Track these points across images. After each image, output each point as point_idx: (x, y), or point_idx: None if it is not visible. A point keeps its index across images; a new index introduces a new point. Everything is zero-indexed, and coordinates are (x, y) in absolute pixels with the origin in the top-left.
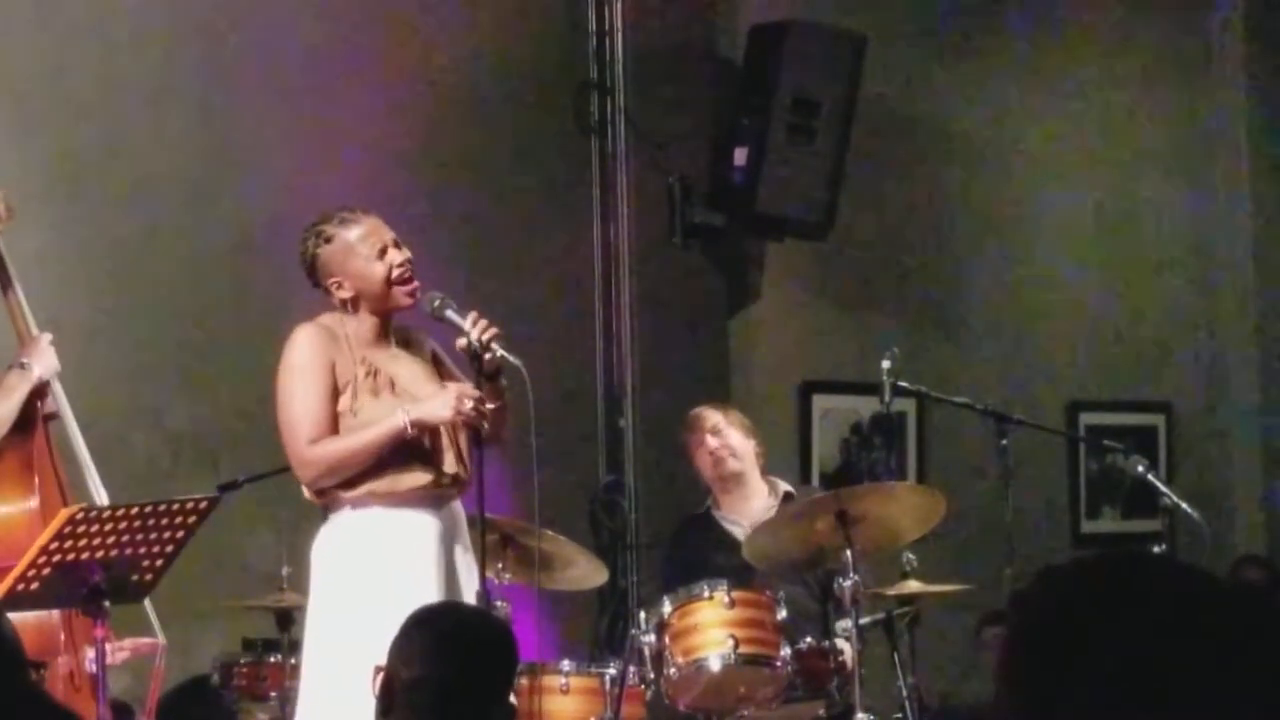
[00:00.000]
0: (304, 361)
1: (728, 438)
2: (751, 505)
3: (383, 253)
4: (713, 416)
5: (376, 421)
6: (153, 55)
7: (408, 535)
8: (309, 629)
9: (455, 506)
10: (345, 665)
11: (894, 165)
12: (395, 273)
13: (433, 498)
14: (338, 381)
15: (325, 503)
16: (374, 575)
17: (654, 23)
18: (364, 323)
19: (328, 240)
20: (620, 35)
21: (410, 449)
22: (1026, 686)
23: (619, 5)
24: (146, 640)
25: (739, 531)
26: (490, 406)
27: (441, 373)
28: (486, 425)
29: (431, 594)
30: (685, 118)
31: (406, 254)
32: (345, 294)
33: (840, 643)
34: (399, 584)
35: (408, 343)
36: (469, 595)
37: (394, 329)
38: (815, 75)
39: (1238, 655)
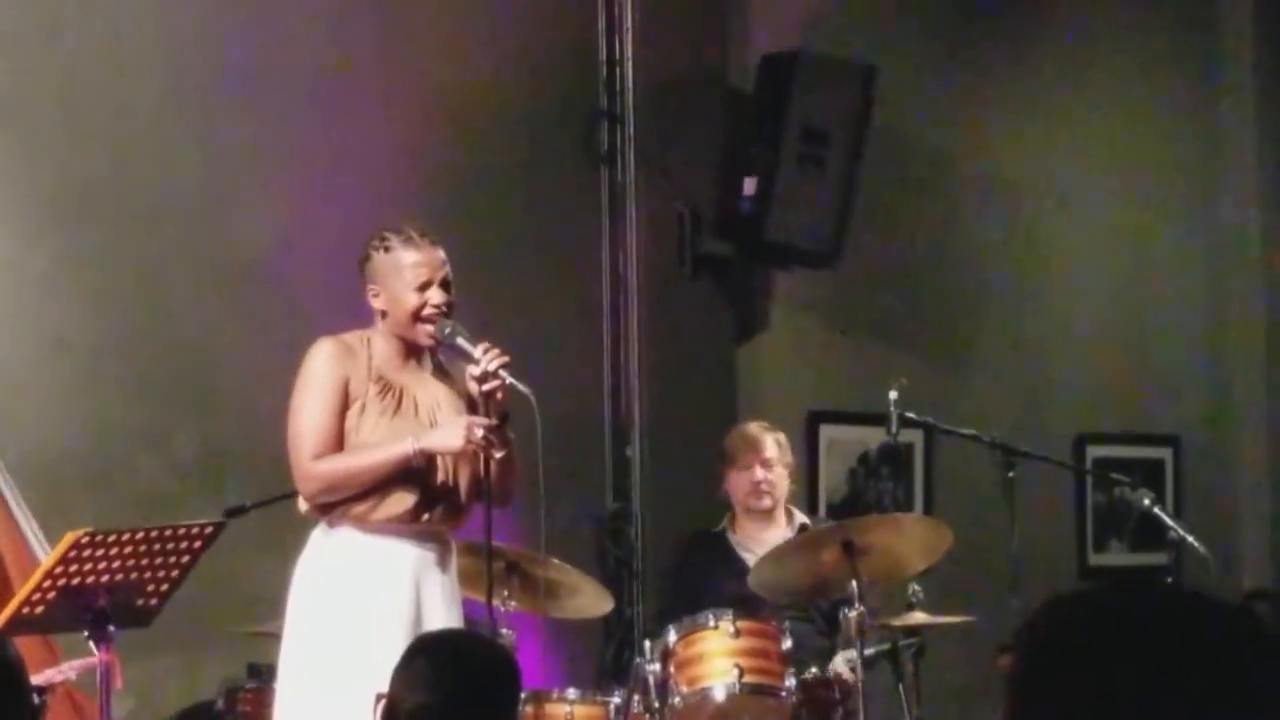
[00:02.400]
0: (317, 376)
1: (775, 473)
2: (769, 536)
3: (424, 287)
4: (770, 447)
5: (381, 443)
6: (159, 78)
7: (376, 562)
8: (282, 643)
9: (442, 538)
10: (305, 685)
11: (903, 195)
12: (426, 311)
13: (412, 529)
14: (349, 398)
15: (317, 518)
16: (337, 598)
17: (664, 53)
18: (390, 342)
19: (387, 250)
20: (630, 65)
21: (402, 477)
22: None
23: (629, 35)
24: (87, 660)
25: (751, 559)
26: (498, 454)
27: (474, 409)
28: (497, 454)
29: (394, 623)
30: (695, 147)
31: (446, 298)
32: (378, 305)
33: (839, 661)
34: (360, 609)
35: (445, 372)
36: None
37: (434, 356)
38: (825, 105)
39: (1246, 685)
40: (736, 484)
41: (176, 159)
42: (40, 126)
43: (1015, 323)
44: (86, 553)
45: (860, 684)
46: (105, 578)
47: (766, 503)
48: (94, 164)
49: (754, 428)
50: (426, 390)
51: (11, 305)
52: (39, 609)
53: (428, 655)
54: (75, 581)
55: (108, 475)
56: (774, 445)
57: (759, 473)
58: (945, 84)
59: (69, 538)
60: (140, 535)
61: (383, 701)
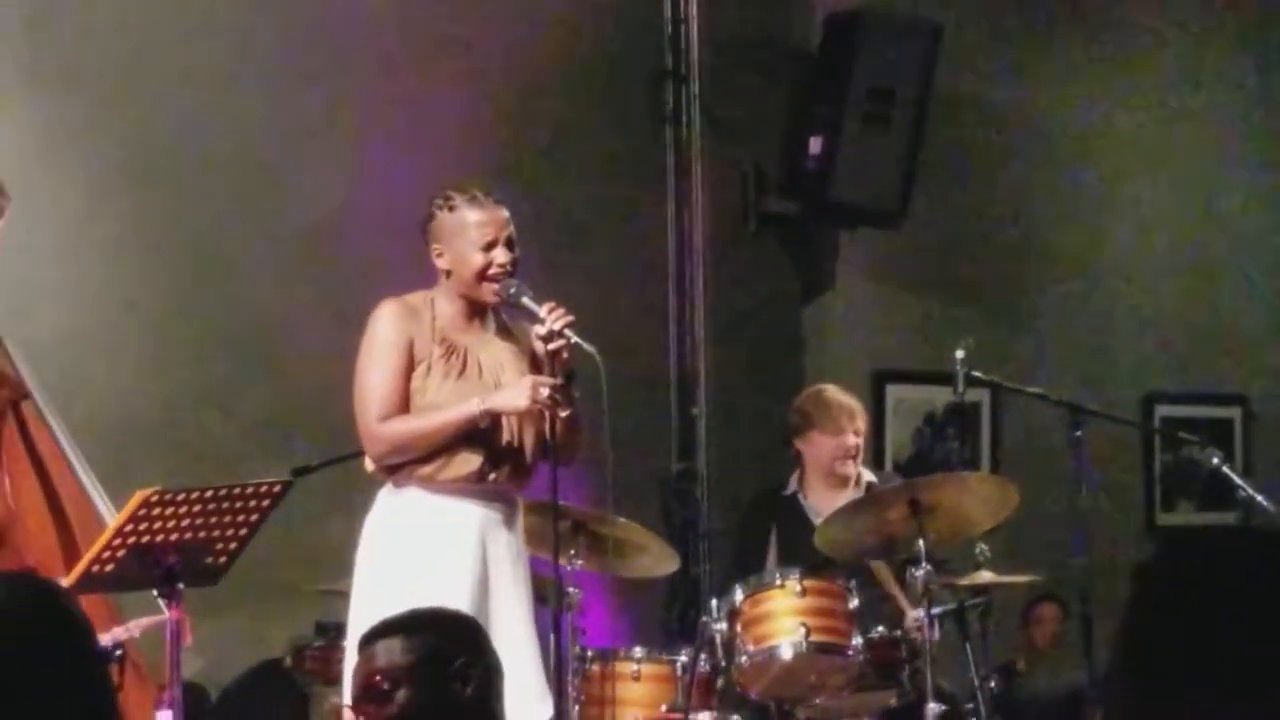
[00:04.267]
0: (382, 337)
1: (860, 441)
2: (842, 498)
3: (489, 246)
4: (860, 416)
5: (447, 404)
6: (224, 41)
7: (443, 522)
8: (350, 601)
9: (508, 498)
10: None
11: (969, 153)
12: (491, 270)
13: (479, 489)
14: (414, 359)
15: (383, 478)
16: (404, 557)
17: (729, 12)
18: (454, 303)
19: (451, 209)
20: (695, 24)
21: (468, 438)
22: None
23: None
24: (153, 618)
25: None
26: (563, 413)
27: (538, 369)
28: (562, 413)
29: (461, 583)
30: (760, 106)
31: (512, 256)
32: (442, 265)
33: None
34: (427, 569)
35: (508, 331)
36: (512, 588)
37: (498, 316)
38: (890, 64)
39: None
40: (821, 447)
41: (243, 122)
42: (108, 92)
43: (1082, 281)
44: (156, 511)
45: (927, 643)
46: (174, 536)
47: (852, 468)
48: (161, 129)
49: (842, 393)
50: (490, 350)
51: (80, 268)
52: (109, 567)
53: None
54: (145, 540)
55: (176, 435)
56: (862, 415)
57: (852, 440)
58: (1009, 41)
59: (138, 496)
60: (209, 494)
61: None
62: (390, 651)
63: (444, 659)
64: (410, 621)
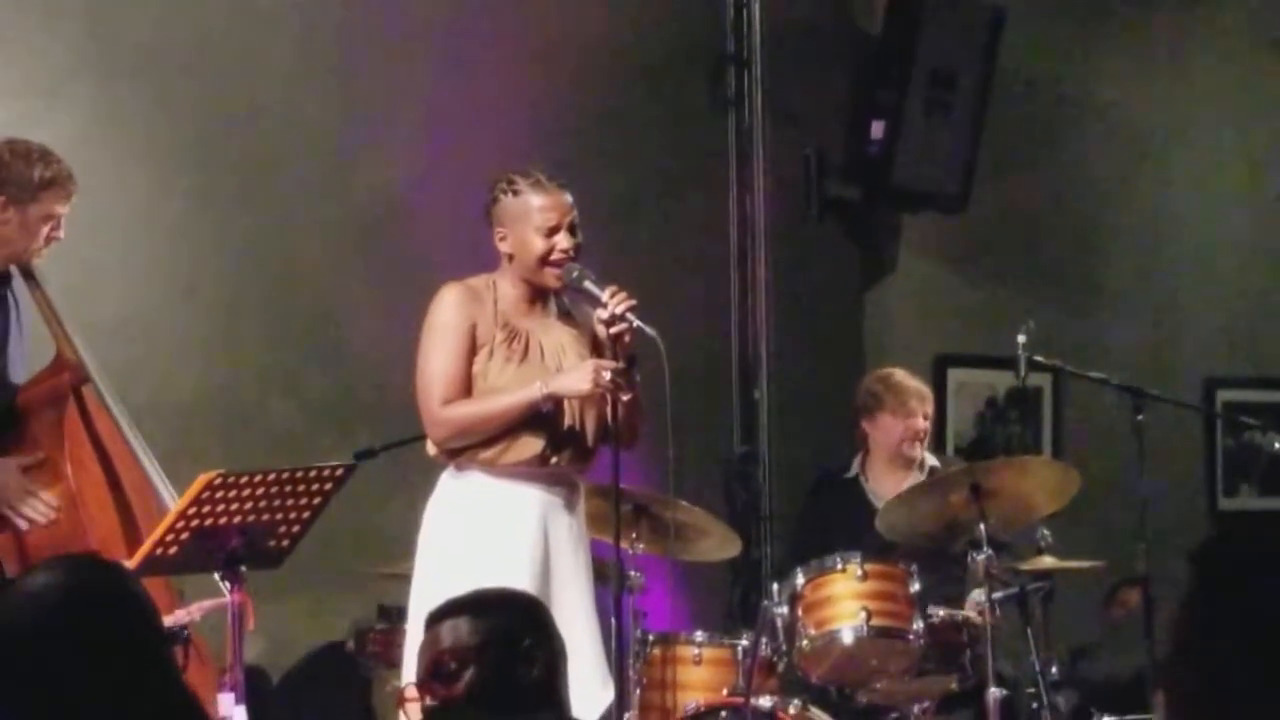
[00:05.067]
0: (444, 321)
1: (928, 424)
2: (902, 482)
3: (552, 231)
4: (929, 400)
5: (509, 389)
6: (290, 27)
7: (505, 505)
8: (412, 584)
9: (569, 481)
10: None
11: (1032, 138)
12: (554, 255)
13: (540, 473)
14: (476, 343)
15: (445, 462)
16: (466, 541)
17: None
18: (516, 287)
19: (515, 193)
20: (757, 8)
21: (530, 421)
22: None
23: None
24: (215, 600)
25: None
26: (625, 397)
27: (599, 353)
28: (624, 397)
29: (523, 566)
30: (822, 91)
31: (574, 242)
32: (505, 249)
33: (967, 605)
34: (489, 552)
35: (569, 315)
36: (573, 571)
37: (559, 300)
38: (953, 48)
39: None
40: (890, 429)
41: (306, 109)
42: (173, 77)
43: (1144, 265)
44: (219, 494)
45: (989, 627)
46: (237, 519)
47: (919, 451)
48: (225, 115)
49: (911, 376)
50: (551, 335)
51: (144, 252)
52: (172, 550)
53: None
54: (208, 522)
55: (239, 418)
56: (930, 399)
57: (922, 423)
58: (1071, 24)
59: (202, 479)
60: (272, 477)
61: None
62: (457, 631)
63: (511, 640)
64: (478, 602)
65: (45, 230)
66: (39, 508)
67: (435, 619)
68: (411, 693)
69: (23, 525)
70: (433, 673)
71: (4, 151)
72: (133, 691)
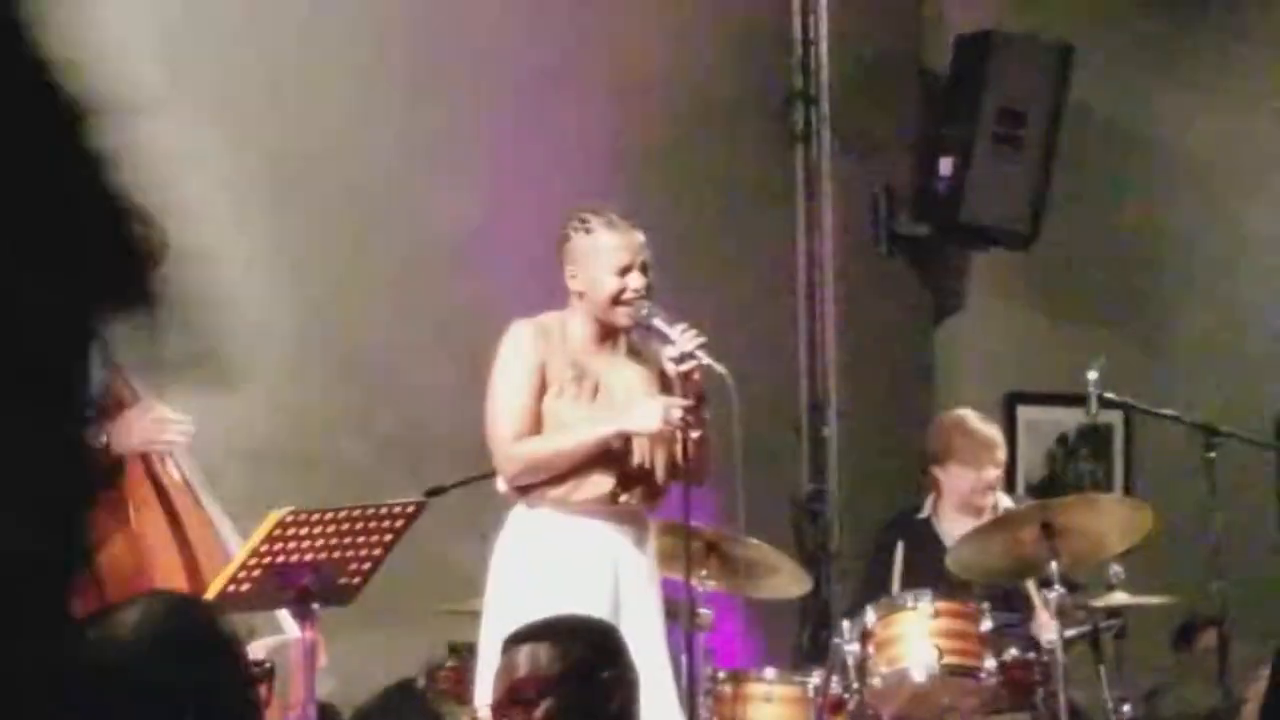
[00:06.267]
0: (515, 359)
1: (1000, 472)
2: (974, 524)
3: (624, 271)
4: (1001, 448)
5: (580, 426)
6: (361, 61)
7: (575, 543)
8: (482, 621)
9: (639, 519)
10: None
11: (1101, 175)
12: (625, 295)
13: (610, 510)
14: (547, 381)
15: (516, 499)
16: (536, 578)
17: (859, 32)
18: (587, 326)
19: (587, 231)
20: (825, 45)
21: (599, 459)
22: None
23: (824, 15)
24: (278, 638)
25: None
26: (694, 434)
27: (667, 390)
28: (694, 434)
29: (594, 604)
30: (890, 128)
31: (645, 281)
32: (575, 287)
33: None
34: (560, 590)
35: (638, 353)
36: (644, 609)
37: (628, 338)
38: (1021, 85)
39: None
40: (961, 479)
41: (377, 145)
42: (246, 114)
43: (1215, 301)
44: (291, 531)
45: (1060, 665)
46: (309, 556)
47: (990, 499)
48: (297, 151)
49: (984, 422)
50: (620, 373)
51: (215, 289)
52: (244, 587)
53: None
54: (280, 560)
55: (309, 455)
56: (1003, 443)
57: (993, 473)
58: (1141, 62)
59: (273, 517)
60: (343, 514)
61: None
62: (536, 659)
63: (590, 671)
64: (558, 629)
65: None
66: (177, 427)
67: (515, 641)
68: (486, 714)
69: (177, 440)
70: (511, 699)
71: None
72: None
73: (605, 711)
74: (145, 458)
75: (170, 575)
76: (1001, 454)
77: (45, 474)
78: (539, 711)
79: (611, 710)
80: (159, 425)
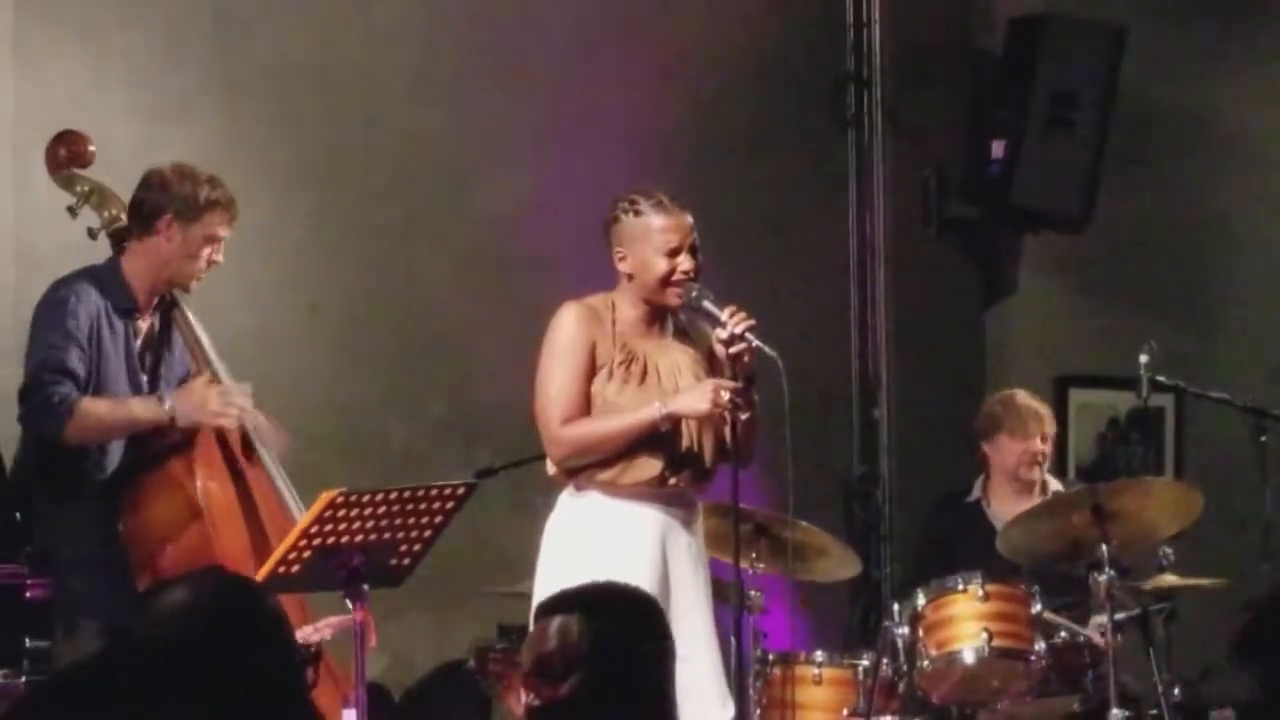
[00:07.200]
0: (564, 341)
1: (1048, 447)
2: (1023, 505)
3: (673, 253)
4: (1049, 422)
5: (629, 408)
6: (411, 47)
7: (624, 525)
8: (532, 603)
9: (688, 501)
10: None
11: (1153, 157)
12: (675, 276)
13: (659, 493)
14: (596, 363)
15: (565, 481)
16: (585, 560)
17: (911, 15)
18: (635, 307)
19: (636, 213)
20: (877, 28)
21: (648, 442)
22: None
23: None
24: (343, 618)
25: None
26: (743, 417)
27: (716, 373)
28: (742, 416)
29: (642, 586)
30: (942, 110)
31: (695, 263)
32: (625, 268)
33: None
34: (608, 572)
35: (686, 335)
36: (693, 591)
37: (676, 320)
38: (1074, 67)
39: None
40: (1009, 451)
41: (427, 128)
42: (296, 96)
43: (1267, 284)
44: (341, 513)
45: (1111, 648)
46: (360, 537)
47: (1038, 474)
48: (347, 133)
49: (1032, 398)
50: (668, 356)
51: (267, 271)
52: (295, 568)
53: None
54: (330, 541)
55: (360, 437)
56: (1052, 421)
57: (1040, 445)
58: (1194, 44)
59: (324, 498)
60: (393, 495)
61: None
62: (567, 631)
63: (622, 645)
64: (591, 599)
65: (207, 252)
66: (239, 400)
67: (547, 610)
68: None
69: (233, 425)
70: (540, 669)
71: (170, 172)
72: (260, 709)
73: (641, 687)
74: (219, 433)
75: (238, 552)
76: (1050, 426)
77: None
78: (566, 687)
79: (648, 686)
80: (223, 400)
